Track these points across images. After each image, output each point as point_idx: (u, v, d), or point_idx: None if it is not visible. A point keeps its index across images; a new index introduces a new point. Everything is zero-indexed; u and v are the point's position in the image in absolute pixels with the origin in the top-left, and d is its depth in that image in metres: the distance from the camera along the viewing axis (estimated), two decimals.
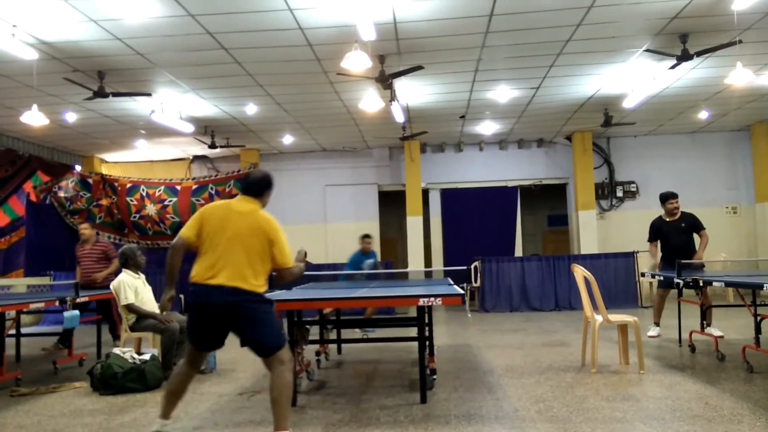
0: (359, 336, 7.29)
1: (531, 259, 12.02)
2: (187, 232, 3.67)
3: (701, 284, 5.76)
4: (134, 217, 13.15)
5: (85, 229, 8.04)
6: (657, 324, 7.47)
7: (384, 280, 8.23)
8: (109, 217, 13.41)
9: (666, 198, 7.37)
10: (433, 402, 4.56)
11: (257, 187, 3.80)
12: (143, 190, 13.33)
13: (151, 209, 13.21)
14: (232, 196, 13.40)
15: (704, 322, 6.46)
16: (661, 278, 6.89)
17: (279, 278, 3.82)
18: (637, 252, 10.90)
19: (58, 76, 8.08)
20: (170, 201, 13.23)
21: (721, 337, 6.24)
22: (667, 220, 7.38)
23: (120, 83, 8.53)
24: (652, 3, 6.66)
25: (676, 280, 5.91)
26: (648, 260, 8.93)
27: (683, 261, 6.04)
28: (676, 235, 7.26)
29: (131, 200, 13.26)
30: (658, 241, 7.47)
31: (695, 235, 7.36)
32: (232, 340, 3.68)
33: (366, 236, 9.44)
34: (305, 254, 4.24)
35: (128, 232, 13.26)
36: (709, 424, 3.82)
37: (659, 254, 7.45)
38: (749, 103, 11.13)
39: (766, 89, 10.20)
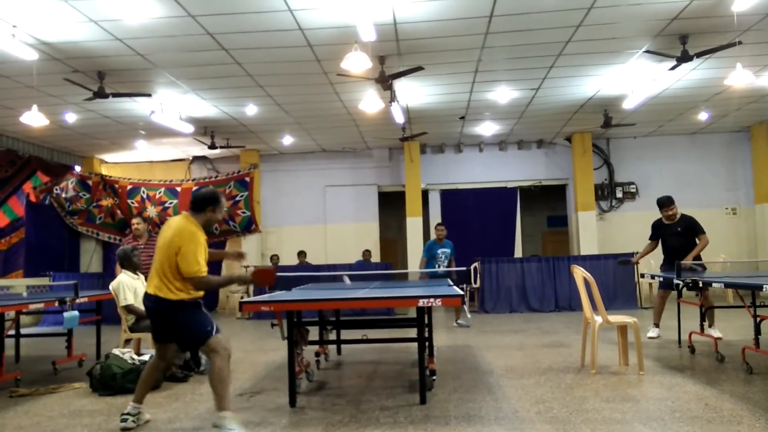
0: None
1: (531, 260, 12.02)
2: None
3: (701, 285, 5.77)
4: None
5: (138, 224, 7.62)
6: (657, 325, 7.48)
7: (383, 281, 8.22)
8: (110, 217, 13.42)
9: (662, 205, 7.46)
10: (432, 403, 4.56)
11: (201, 203, 4.09)
12: (143, 192, 13.34)
13: (151, 211, 13.22)
14: (232, 197, 13.44)
15: (704, 323, 6.46)
16: (662, 279, 6.92)
17: (193, 286, 3.99)
18: (637, 253, 10.87)
19: (58, 77, 8.08)
20: (170, 203, 13.24)
21: (720, 338, 6.24)
22: (666, 222, 7.48)
23: (120, 84, 8.53)
24: (652, 4, 6.66)
25: (675, 281, 5.92)
26: (646, 259, 8.96)
27: (681, 263, 6.07)
28: (672, 239, 7.36)
29: (132, 202, 13.27)
30: (658, 242, 7.59)
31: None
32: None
33: (440, 224, 9.75)
34: (277, 259, 4.52)
35: (130, 232, 13.29)
36: (709, 425, 3.82)
37: (645, 253, 7.83)
38: (749, 104, 11.13)
39: (766, 90, 10.20)
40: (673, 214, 7.39)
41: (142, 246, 7.30)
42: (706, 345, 6.42)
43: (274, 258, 13.18)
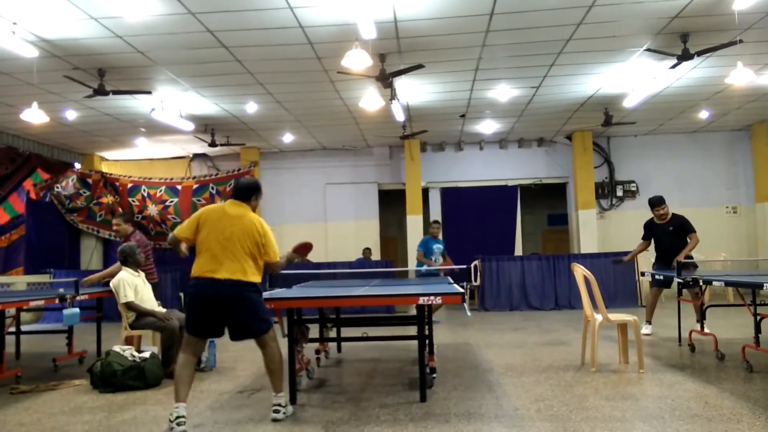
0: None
1: (531, 258, 12.02)
2: (183, 233, 4.22)
3: (701, 284, 5.78)
4: (137, 217, 13.17)
5: (116, 225, 7.22)
6: (649, 322, 7.54)
7: (384, 279, 8.23)
8: (111, 215, 13.40)
9: (653, 205, 7.61)
10: (432, 401, 4.56)
11: (246, 192, 4.32)
12: (144, 190, 13.33)
13: (152, 210, 13.23)
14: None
15: (704, 321, 6.46)
16: (655, 277, 7.08)
17: (271, 269, 4.48)
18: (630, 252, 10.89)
19: (59, 74, 8.07)
20: (171, 201, 13.24)
21: (708, 334, 6.23)
22: (657, 222, 7.61)
23: (120, 81, 8.53)
24: (653, 2, 6.65)
25: (676, 280, 5.94)
26: (646, 257, 8.98)
27: (676, 260, 6.11)
28: (664, 238, 7.51)
29: (133, 201, 13.27)
30: (650, 241, 7.78)
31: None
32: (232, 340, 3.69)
33: (435, 222, 10.28)
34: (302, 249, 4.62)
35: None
36: (709, 423, 3.82)
37: (638, 252, 8.07)
38: (750, 102, 11.12)
39: (767, 89, 10.19)
40: (664, 213, 7.52)
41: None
42: (706, 343, 6.43)
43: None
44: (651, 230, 7.70)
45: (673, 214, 7.57)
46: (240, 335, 4.19)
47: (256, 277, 4.14)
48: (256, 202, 4.34)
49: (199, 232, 4.16)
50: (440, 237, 10.08)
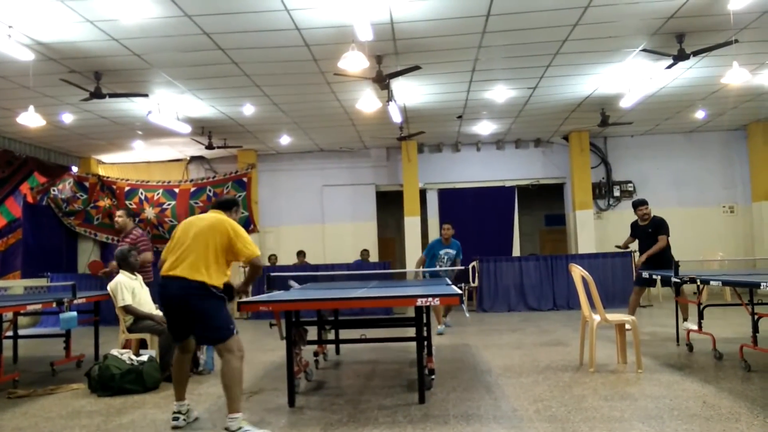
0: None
1: (529, 258, 12.03)
2: (164, 254, 4.17)
3: (698, 283, 5.80)
4: (134, 220, 13.14)
5: (120, 217, 7.35)
6: None
7: (382, 280, 8.22)
8: (108, 218, 13.37)
9: (636, 205, 8.02)
10: (431, 402, 4.56)
11: (226, 203, 4.37)
12: (141, 193, 13.31)
13: (149, 213, 13.20)
14: None
15: (701, 321, 6.47)
16: (650, 276, 7.19)
17: (252, 271, 4.13)
18: (635, 251, 10.90)
19: (55, 77, 8.06)
20: (169, 204, 13.22)
21: (696, 330, 6.24)
22: (640, 223, 8.00)
23: (117, 84, 8.51)
24: (649, 3, 6.67)
25: (674, 279, 5.95)
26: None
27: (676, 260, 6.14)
28: (645, 238, 7.89)
29: (130, 204, 13.24)
30: (636, 240, 8.19)
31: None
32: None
33: (446, 223, 8.99)
34: (275, 258, 4.66)
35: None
36: (707, 422, 3.83)
37: (628, 242, 8.38)
38: (745, 102, 11.15)
39: (763, 89, 10.22)
40: (646, 213, 7.89)
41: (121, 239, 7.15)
42: (704, 343, 6.44)
43: (272, 258, 13.18)
44: (634, 230, 8.13)
45: (653, 216, 7.91)
46: (198, 339, 4.18)
47: (216, 280, 3.96)
48: (235, 215, 4.34)
49: (171, 242, 4.15)
50: (453, 240, 8.88)
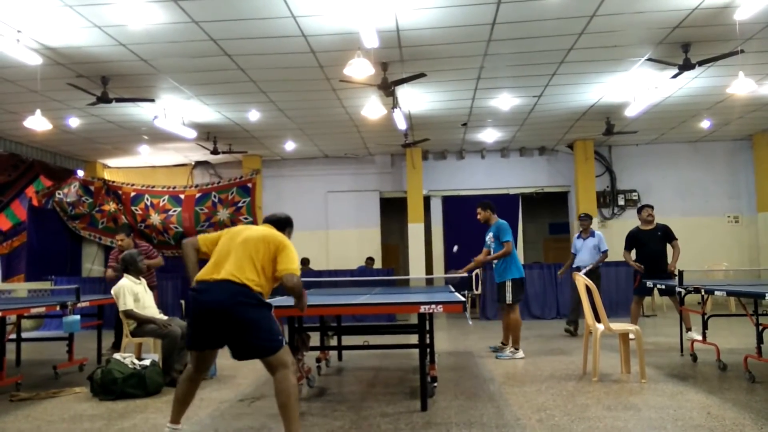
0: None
1: (532, 266, 11.99)
2: (205, 242, 3.88)
3: (702, 293, 5.77)
4: (140, 226, 13.20)
5: (121, 240, 7.77)
6: None
7: (385, 287, 8.21)
8: (112, 222, 13.43)
9: (641, 208, 8.07)
10: (433, 409, 4.54)
11: (279, 223, 4.07)
12: (147, 199, 13.36)
13: (155, 219, 13.25)
14: (234, 203, 13.47)
15: (706, 331, 6.45)
16: (639, 285, 7.48)
17: (285, 286, 3.73)
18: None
19: (62, 82, 8.11)
20: (174, 211, 13.26)
21: (700, 341, 6.21)
22: (644, 229, 7.93)
23: (123, 89, 8.56)
24: (655, 12, 6.68)
25: (678, 289, 5.94)
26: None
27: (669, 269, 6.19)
28: (652, 243, 7.80)
29: (136, 209, 13.29)
30: (633, 251, 8.06)
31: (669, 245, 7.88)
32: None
33: (481, 203, 8.16)
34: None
35: (134, 238, 13.35)
36: None
37: (629, 259, 8.11)
38: (751, 112, 11.13)
39: None
40: (651, 215, 7.89)
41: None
42: (708, 353, 6.40)
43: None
44: (636, 237, 7.96)
45: (657, 222, 7.92)
46: (240, 352, 3.61)
47: (263, 289, 3.65)
48: (289, 236, 4.03)
49: (217, 243, 3.83)
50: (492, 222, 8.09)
